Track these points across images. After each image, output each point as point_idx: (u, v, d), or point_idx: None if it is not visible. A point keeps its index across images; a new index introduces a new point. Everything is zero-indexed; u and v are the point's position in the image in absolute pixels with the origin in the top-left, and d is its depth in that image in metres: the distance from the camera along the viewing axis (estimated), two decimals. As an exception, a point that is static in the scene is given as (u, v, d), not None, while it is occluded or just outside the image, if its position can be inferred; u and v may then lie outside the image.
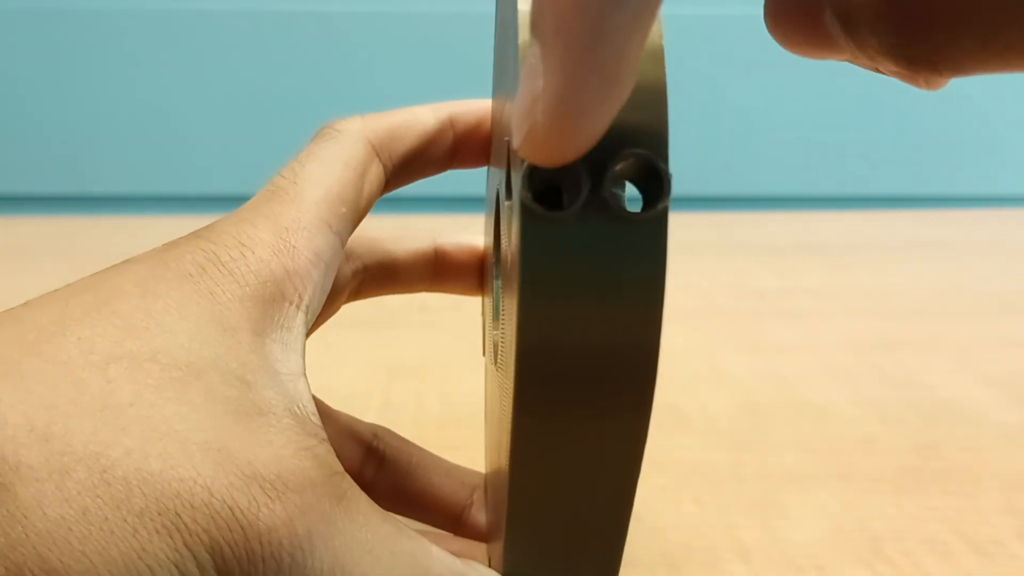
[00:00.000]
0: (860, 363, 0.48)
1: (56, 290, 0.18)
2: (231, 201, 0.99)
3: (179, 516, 0.15)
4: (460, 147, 0.25)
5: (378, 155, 0.23)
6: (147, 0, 0.85)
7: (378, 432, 0.27)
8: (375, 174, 0.23)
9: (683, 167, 0.94)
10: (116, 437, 0.16)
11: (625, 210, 0.15)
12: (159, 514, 0.15)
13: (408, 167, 0.24)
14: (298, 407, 0.18)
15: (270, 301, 0.19)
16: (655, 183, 0.15)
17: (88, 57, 0.86)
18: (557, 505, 0.18)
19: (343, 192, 0.21)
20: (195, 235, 0.20)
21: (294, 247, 0.20)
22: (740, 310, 0.56)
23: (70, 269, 0.69)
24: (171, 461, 0.16)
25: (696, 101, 0.92)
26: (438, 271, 0.29)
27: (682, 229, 0.77)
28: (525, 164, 0.15)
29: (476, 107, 0.25)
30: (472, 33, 0.89)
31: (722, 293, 0.59)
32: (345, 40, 0.85)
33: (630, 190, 0.16)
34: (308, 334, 0.20)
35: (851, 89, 0.93)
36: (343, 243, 0.22)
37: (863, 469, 0.37)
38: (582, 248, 0.15)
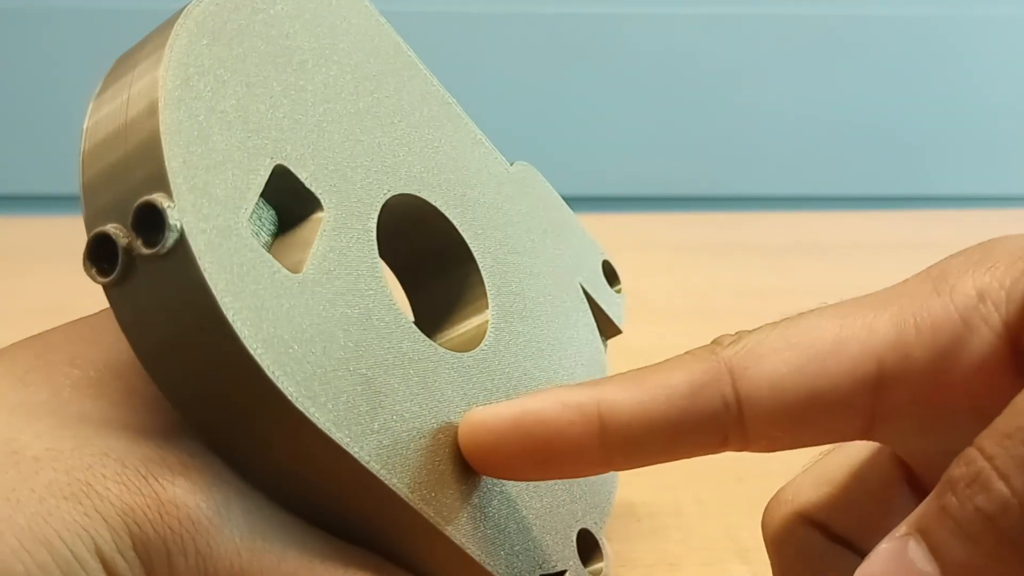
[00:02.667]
0: (859, 363, 0.48)
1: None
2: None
3: (89, 485, 0.16)
4: None
5: None
6: (147, 0, 0.85)
7: None
8: None
9: (682, 167, 0.94)
10: (27, 424, 0.17)
11: (149, 251, 0.16)
12: (68, 484, 0.16)
13: None
14: None
15: None
16: (158, 219, 0.16)
17: (88, 57, 0.86)
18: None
19: None
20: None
21: None
22: (739, 310, 0.56)
23: (70, 269, 0.68)
24: (83, 440, 0.17)
25: (695, 101, 0.92)
26: None
27: (680, 229, 0.77)
28: (86, 244, 0.17)
29: None
30: (473, 33, 0.89)
31: (721, 293, 0.59)
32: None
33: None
34: None
35: (850, 89, 0.93)
36: None
37: (862, 469, 0.36)
38: (152, 302, 0.17)
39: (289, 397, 0.16)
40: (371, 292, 0.20)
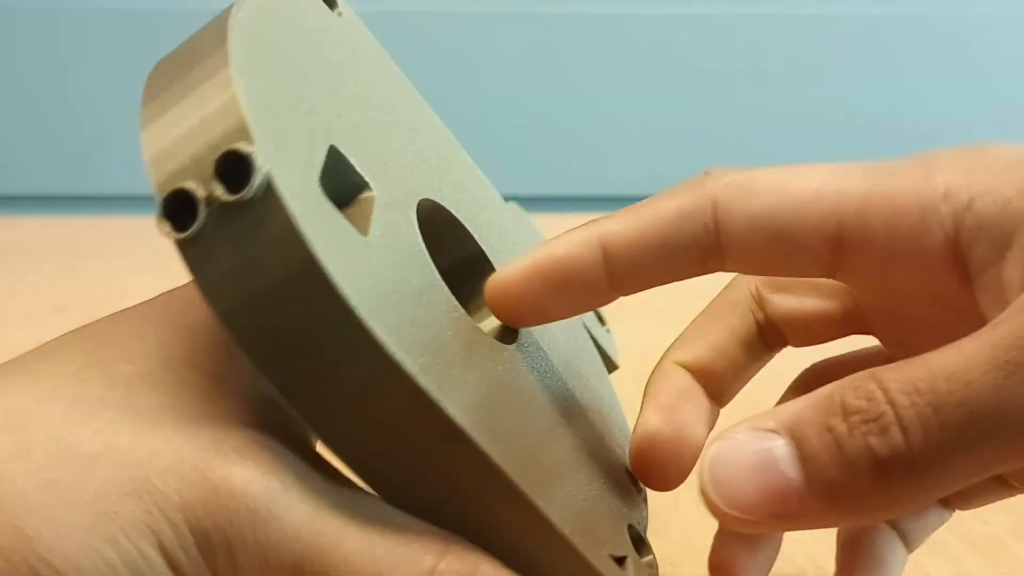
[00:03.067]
0: (859, 363, 0.48)
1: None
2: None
3: (148, 480, 0.16)
4: None
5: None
6: (147, 0, 0.85)
7: None
8: None
9: (683, 167, 0.94)
10: (84, 420, 0.17)
11: (235, 198, 0.16)
12: (128, 480, 0.16)
13: None
14: (267, 390, 0.19)
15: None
16: (242, 166, 0.16)
17: (88, 57, 0.86)
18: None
19: None
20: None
21: None
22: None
23: (70, 269, 0.69)
24: (140, 435, 0.17)
25: (695, 101, 0.92)
26: None
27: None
28: (158, 203, 0.16)
29: None
30: (473, 33, 0.90)
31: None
32: (345, 40, 0.85)
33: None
34: None
35: (850, 89, 0.93)
36: None
37: (862, 468, 0.36)
38: (229, 250, 0.16)
39: (383, 344, 0.16)
40: (425, 270, 0.20)
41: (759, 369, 0.26)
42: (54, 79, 0.86)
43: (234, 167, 0.16)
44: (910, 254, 0.19)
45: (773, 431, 0.17)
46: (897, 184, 0.20)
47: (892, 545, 0.25)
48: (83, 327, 0.20)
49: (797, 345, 0.26)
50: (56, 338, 0.20)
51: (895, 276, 0.20)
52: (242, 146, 0.16)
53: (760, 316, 0.25)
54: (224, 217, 0.16)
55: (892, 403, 0.16)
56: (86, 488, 0.16)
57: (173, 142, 0.17)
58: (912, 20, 0.93)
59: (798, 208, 0.20)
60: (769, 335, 0.25)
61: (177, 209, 0.16)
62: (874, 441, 0.16)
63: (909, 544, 0.26)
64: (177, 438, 0.17)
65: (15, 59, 0.86)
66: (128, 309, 0.21)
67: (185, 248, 0.16)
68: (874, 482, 0.16)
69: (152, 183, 0.16)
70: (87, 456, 0.16)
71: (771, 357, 0.26)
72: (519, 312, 0.22)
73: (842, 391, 0.16)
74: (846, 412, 0.16)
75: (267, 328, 0.16)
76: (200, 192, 0.16)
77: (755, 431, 0.17)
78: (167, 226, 0.16)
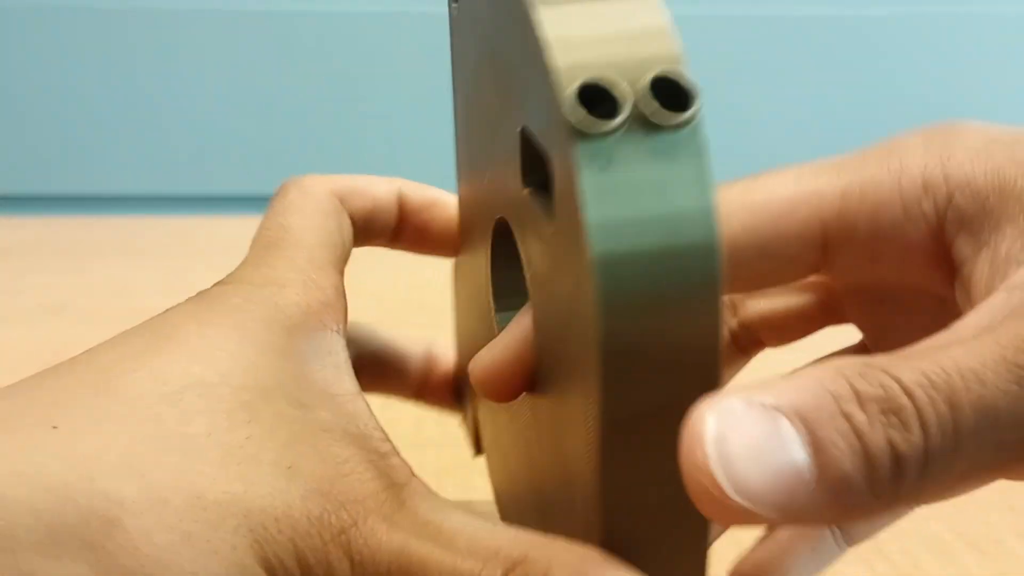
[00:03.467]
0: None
1: (111, 337, 0.20)
2: (231, 201, 0.98)
3: (265, 528, 0.17)
4: (404, 226, 0.26)
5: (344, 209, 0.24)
6: (147, 0, 0.85)
7: None
8: (347, 227, 0.24)
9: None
10: (200, 466, 0.17)
11: (664, 119, 0.15)
12: (249, 530, 0.17)
13: (361, 229, 0.25)
14: (356, 426, 0.19)
15: (315, 330, 0.20)
16: (680, 91, 0.15)
17: (88, 57, 0.86)
18: (651, 511, 0.17)
19: (331, 239, 0.23)
20: (222, 282, 0.21)
21: (318, 283, 0.21)
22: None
23: (70, 269, 0.69)
24: (250, 482, 0.17)
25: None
26: (427, 382, 0.30)
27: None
28: (576, 85, 0.15)
29: (426, 192, 0.26)
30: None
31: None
32: (345, 40, 0.85)
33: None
34: None
35: (851, 89, 0.93)
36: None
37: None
38: (635, 167, 0.15)
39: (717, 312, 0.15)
40: None
41: (734, 376, 0.25)
42: (54, 79, 0.86)
43: (669, 90, 0.15)
44: (895, 249, 0.19)
45: (775, 408, 0.14)
46: (873, 178, 0.19)
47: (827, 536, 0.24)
48: (156, 322, 0.20)
49: (775, 345, 0.25)
50: (130, 334, 0.19)
51: (881, 271, 0.20)
52: (682, 74, 0.15)
53: (732, 322, 0.25)
54: (644, 133, 0.15)
55: (910, 396, 0.14)
56: (221, 540, 0.16)
57: (589, 35, 0.15)
58: (913, 20, 0.93)
59: (776, 222, 0.20)
60: (743, 340, 0.25)
61: (592, 101, 0.15)
62: (895, 435, 0.14)
63: (851, 539, 0.25)
64: (281, 486, 0.18)
65: (15, 59, 0.86)
66: (204, 304, 0.20)
67: (585, 144, 0.15)
68: (889, 480, 0.14)
69: (556, 61, 0.15)
70: (213, 506, 0.17)
71: (747, 362, 0.25)
72: (509, 394, 0.21)
73: (850, 377, 0.14)
74: (861, 400, 0.14)
75: (643, 278, 0.15)
76: (627, 95, 0.15)
77: (754, 405, 0.14)
78: (582, 112, 0.15)
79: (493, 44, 0.20)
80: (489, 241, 0.22)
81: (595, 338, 0.15)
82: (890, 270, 0.20)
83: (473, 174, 0.24)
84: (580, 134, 0.15)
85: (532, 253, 0.19)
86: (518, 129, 0.18)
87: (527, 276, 0.19)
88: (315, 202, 0.23)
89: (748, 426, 0.14)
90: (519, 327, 0.20)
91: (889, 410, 0.14)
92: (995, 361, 0.15)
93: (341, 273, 0.23)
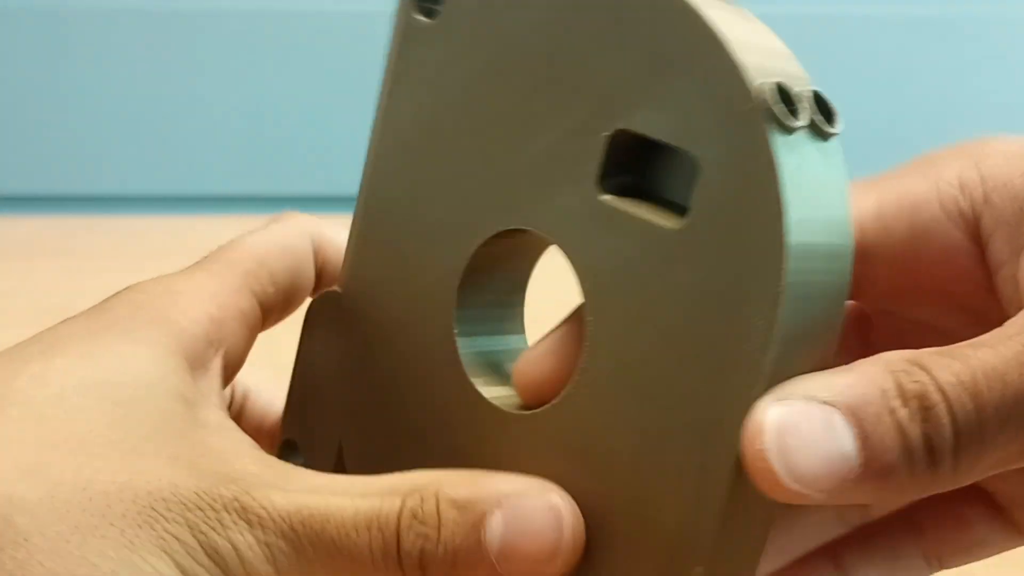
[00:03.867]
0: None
1: (7, 348, 0.21)
2: (231, 201, 0.98)
3: (154, 510, 0.18)
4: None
5: (316, 255, 0.25)
6: (147, 0, 0.85)
7: None
8: (309, 270, 0.24)
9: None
10: (86, 460, 0.18)
11: (829, 128, 0.17)
12: (138, 513, 0.18)
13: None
14: (230, 425, 0.21)
15: (195, 340, 0.21)
16: (829, 109, 0.18)
17: (88, 57, 0.86)
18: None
19: (274, 271, 0.23)
20: (127, 288, 0.22)
21: (221, 301, 0.22)
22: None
23: (70, 269, 0.69)
24: (136, 471, 0.18)
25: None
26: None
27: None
28: (772, 82, 0.16)
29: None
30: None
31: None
32: (345, 40, 0.85)
33: None
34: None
35: (851, 90, 0.93)
36: (264, 313, 0.23)
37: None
38: (813, 167, 0.17)
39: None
40: None
41: None
42: (54, 79, 0.86)
43: (823, 104, 0.17)
44: (934, 250, 0.20)
45: (830, 404, 0.16)
46: (909, 183, 0.20)
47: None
48: (51, 329, 0.21)
49: None
50: (25, 343, 0.20)
51: (917, 273, 0.20)
52: (824, 95, 0.17)
53: None
54: (812, 138, 0.17)
55: (943, 392, 0.16)
56: (110, 525, 0.17)
57: (749, 42, 0.17)
58: (913, 21, 0.93)
59: None
60: None
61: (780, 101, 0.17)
62: (931, 430, 0.16)
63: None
64: (167, 472, 0.18)
65: (15, 59, 0.86)
66: (97, 310, 0.21)
67: (783, 138, 0.17)
68: (925, 468, 0.16)
69: (744, 58, 0.17)
70: (100, 496, 0.18)
71: None
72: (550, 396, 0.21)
73: (895, 373, 0.16)
74: (904, 396, 0.16)
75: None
76: (805, 101, 0.17)
77: (811, 401, 0.16)
78: (782, 106, 0.16)
79: (545, 46, 0.20)
80: (462, 264, 0.21)
81: (770, 322, 0.17)
82: (926, 272, 0.20)
83: (433, 193, 0.22)
84: (782, 127, 0.17)
85: (601, 258, 0.19)
86: (606, 133, 0.19)
87: (585, 283, 0.20)
88: (287, 235, 0.24)
89: (805, 420, 0.16)
90: (567, 330, 0.21)
91: (926, 407, 0.16)
92: (1019, 362, 0.16)
93: (271, 304, 0.23)
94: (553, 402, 0.20)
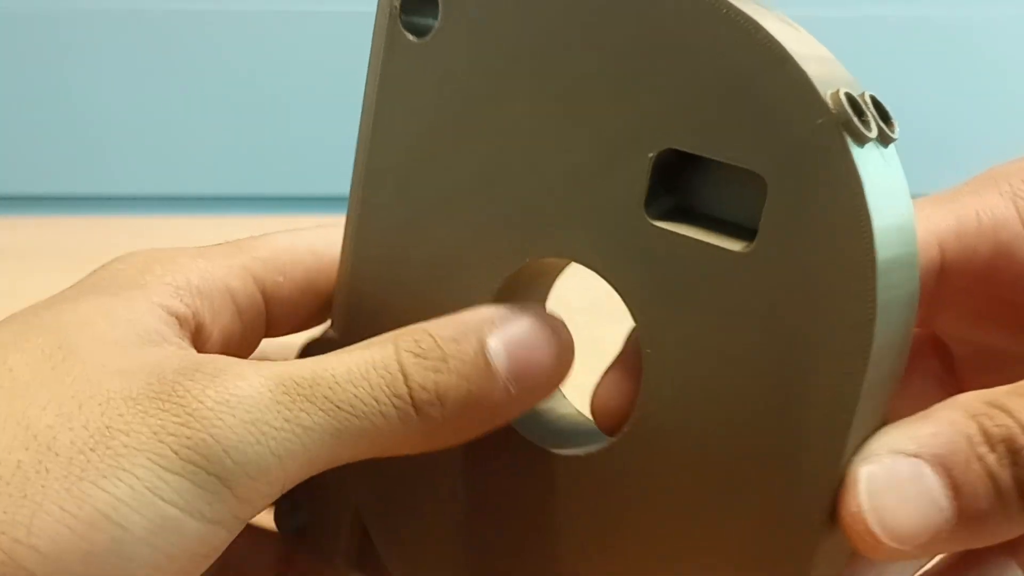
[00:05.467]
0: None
1: None
2: (232, 201, 0.98)
3: (109, 428, 0.17)
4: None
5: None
6: (147, 0, 0.85)
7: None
8: (332, 275, 0.23)
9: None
10: (31, 400, 0.18)
11: (891, 133, 0.17)
12: (89, 436, 0.17)
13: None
14: (193, 357, 0.20)
15: (163, 298, 0.21)
16: (885, 112, 0.17)
17: (88, 57, 0.86)
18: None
19: (286, 263, 0.23)
20: (116, 259, 0.23)
21: (206, 274, 0.22)
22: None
23: (70, 269, 0.68)
24: (85, 395, 0.18)
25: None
26: None
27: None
28: (844, 93, 0.16)
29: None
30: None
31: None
32: (347, 40, 0.85)
33: None
34: None
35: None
36: (272, 304, 0.23)
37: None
38: (883, 175, 0.17)
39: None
40: None
41: None
42: (54, 79, 0.86)
43: (881, 109, 0.17)
44: (1015, 268, 0.19)
45: (917, 456, 0.16)
46: (988, 201, 0.20)
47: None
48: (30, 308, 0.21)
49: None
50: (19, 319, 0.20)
51: (998, 296, 0.20)
52: (880, 99, 0.17)
53: None
54: (877, 145, 0.17)
55: None
56: (55, 456, 0.17)
57: (804, 53, 0.17)
58: (913, 21, 0.92)
59: None
60: None
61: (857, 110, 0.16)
62: (1021, 473, 0.16)
63: None
64: (117, 385, 0.18)
65: (15, 60, 0.86)
66: (77, 285, 0.22)
67: (858, 151, 0.16)
68: (1018, 511, 0.16)
69: (813, 73, 0.16)
70: (44, 430, 0.17)
71: None
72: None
73: (978, 418, 0.16)
74: (990, 441, 0.16)
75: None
76: (869, 108, 0.17)
77: (900, 456, 0.16)
78: (855, 120, 0.16)
79: (570, 65, 0.18)
80: (496, 284, 0.20)
81: (862, 344, 0.16)
82: (1007, 298, 0.20)
83: (441, 228, 0.20)
84: (858, 137, 0.16)
85: (656, 286, 0.18)
86: (651, 154, 0.17)
87: (637, 313, 0.18)
88: (317, 240, 0.24)
89: (895, 478, 0.16)
90: (630, 356, 0.20)
91: (1014, 450, 0.16)
92: None
93: (278, 299, 0.23)
94: (608, 443, 0.19)
